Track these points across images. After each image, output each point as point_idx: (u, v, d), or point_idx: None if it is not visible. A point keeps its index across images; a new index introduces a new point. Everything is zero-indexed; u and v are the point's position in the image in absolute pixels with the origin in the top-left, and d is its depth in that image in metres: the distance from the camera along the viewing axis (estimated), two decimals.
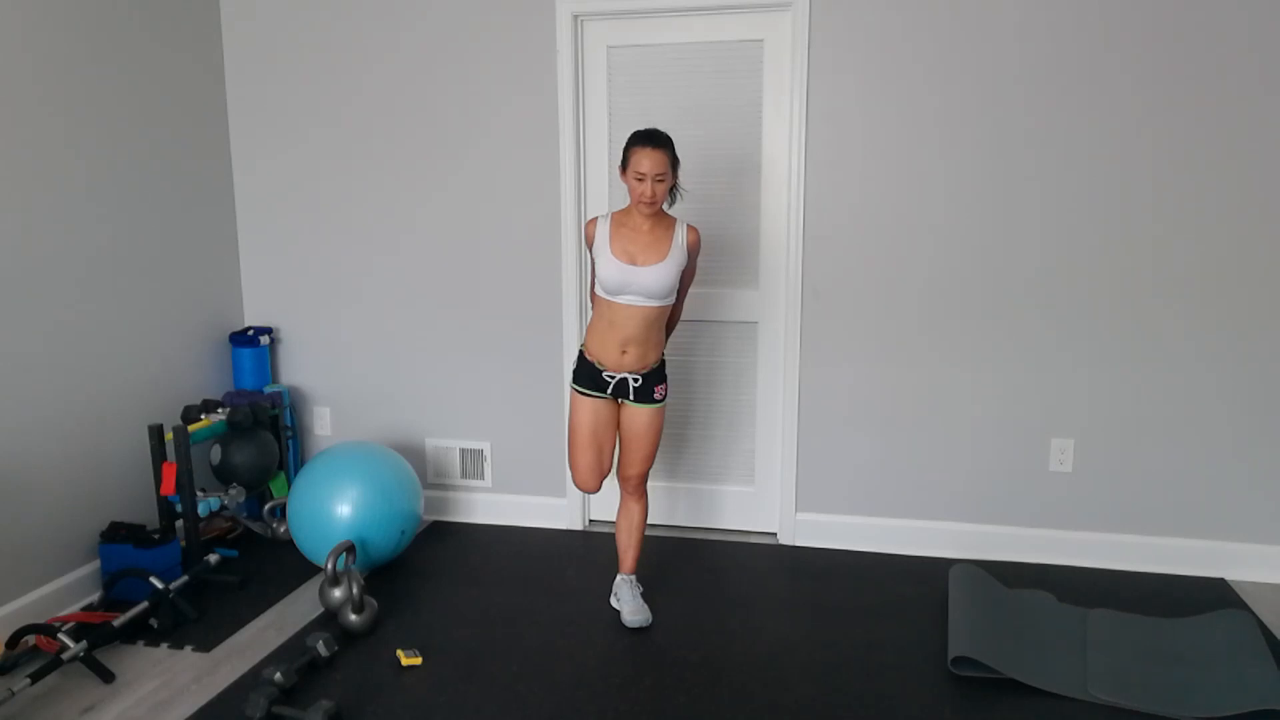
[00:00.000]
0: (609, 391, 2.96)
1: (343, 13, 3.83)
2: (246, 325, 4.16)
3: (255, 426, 3.79)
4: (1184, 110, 3.25)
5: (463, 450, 4.06)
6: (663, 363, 3.02)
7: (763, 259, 3.69)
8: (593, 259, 2.94)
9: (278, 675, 2.59)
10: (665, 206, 2.96)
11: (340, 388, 4.14)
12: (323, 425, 4.19)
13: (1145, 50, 3.25)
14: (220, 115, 3.99)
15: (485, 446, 4.04)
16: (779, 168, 3.61)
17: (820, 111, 3.50)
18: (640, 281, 2.83)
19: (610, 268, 2.84)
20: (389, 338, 4.05)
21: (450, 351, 3.99)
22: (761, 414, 3.81)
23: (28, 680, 2.58)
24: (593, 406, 2.98)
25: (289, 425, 4.09)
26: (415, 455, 4.11)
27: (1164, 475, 3.47)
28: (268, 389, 4.02)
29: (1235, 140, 3.23)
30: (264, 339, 4.03)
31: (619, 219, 2.91)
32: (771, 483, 3.86)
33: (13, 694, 2.52)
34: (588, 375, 2.97)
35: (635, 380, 2.94)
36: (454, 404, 4.03)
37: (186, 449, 3.42)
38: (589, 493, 3.18)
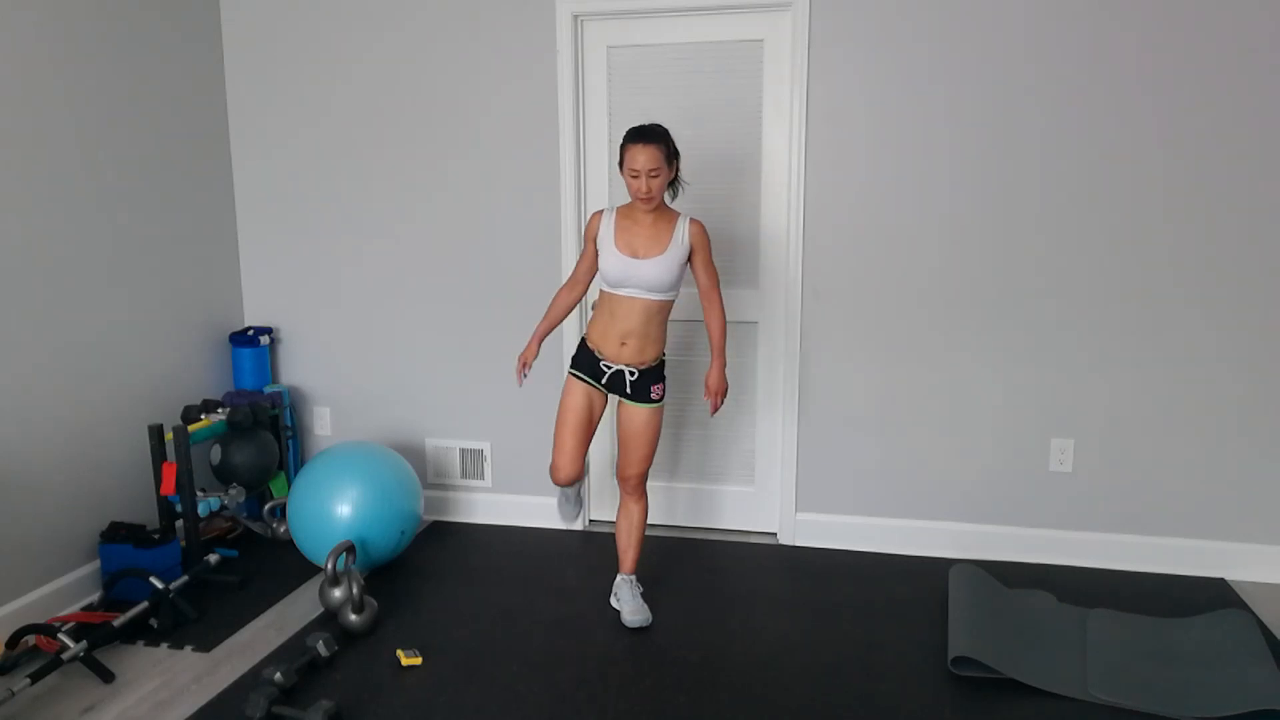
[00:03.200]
0: (604, 381, 2.97)
1: (343, 15, 3.83)
2: (246, 325, 4.16)
3: (255, 426, 3.79)
4: (1193, 108, 3.25)
5: (463, 450, 4.06)
6: (662, 362, 3.01)
7: (763, 259, 3.69)
8: (594, 251, 2.96)
9: (278, 675, 2.59)
10: (669, 199, 2.97)
11: (340, 388, 4.14)
12: (323, 425, 4.19)
13: (1156, 44, 3.24)
14: (220, 116, 3.99)
15: (485, 446, 4.04)
16: (779, 168, 3.61)
17: (820, 111, 3.50)
18: (641, 274, 2.84)
19: (612, 260, 2.87)
20: (389, 338, 4.05)
21: (450, 351, 3.99)
22: (761, 414, 3.81)
23: (28, 680, 2.58)
24: (585, 390, 2.99)
25: (289, 425, 4.10)
26: (415, 455, 4.11)
27: (1164, 475, 3.47)
28: (268, 389, 4.02)
29: (1246, 138, 3.23)
30: (264, 339, 4.03)
31: (624, 212, 2.94)
32: (771, 483, 3.86)
33: (13, 694, 2.52)
34: (586, 362, 2.98)
35: (632, 374, 2.95)
36: (454, 404, 4.03)
37: (186, 449, 3.42)
38: (563, 484, 3.05)
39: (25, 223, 3.08)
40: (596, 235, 2.94)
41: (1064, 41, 3.29)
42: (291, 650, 2.94)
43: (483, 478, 4.07)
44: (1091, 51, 3.28)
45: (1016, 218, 3.43)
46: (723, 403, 3.05)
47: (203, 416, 3.67)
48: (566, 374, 3.05)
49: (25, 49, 3.05)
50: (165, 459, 3.47)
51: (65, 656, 2.69)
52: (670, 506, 3.97)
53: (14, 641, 2.81)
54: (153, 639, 3.01)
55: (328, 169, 3.98)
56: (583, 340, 3.02)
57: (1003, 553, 3.63)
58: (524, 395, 3.94)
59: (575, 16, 3.62)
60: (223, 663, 2.87)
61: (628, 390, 2.97)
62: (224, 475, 3.74)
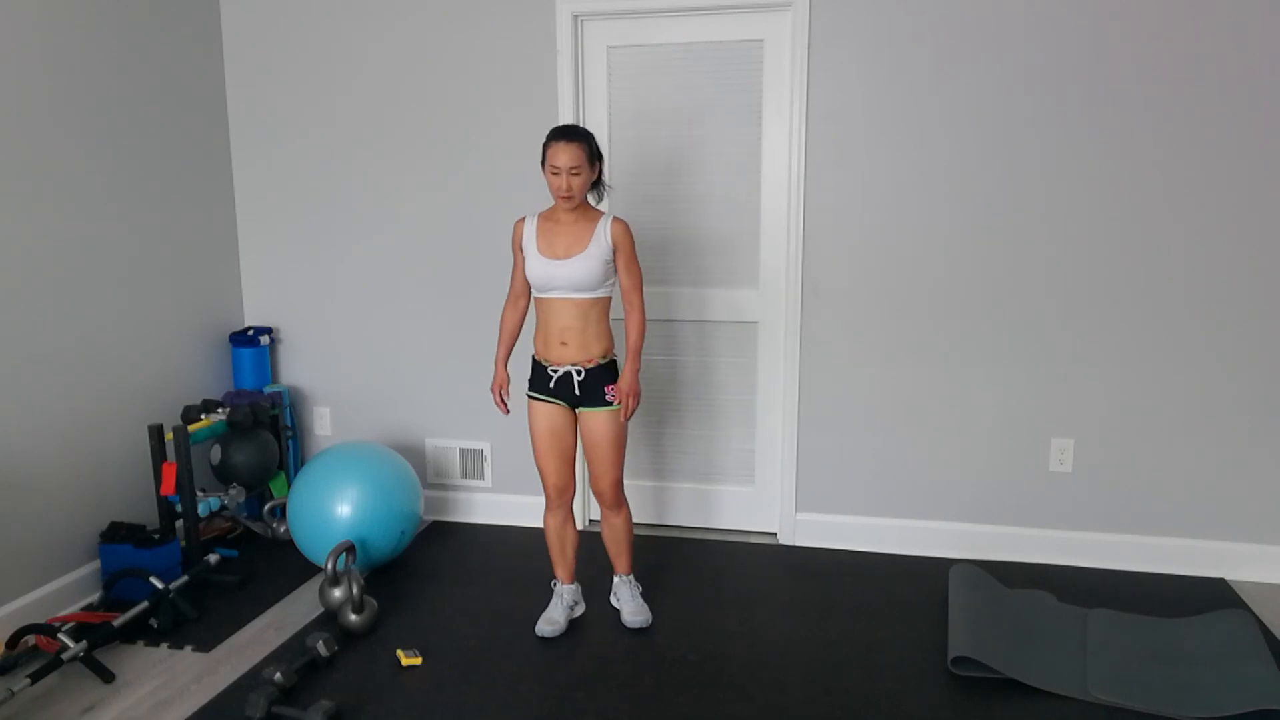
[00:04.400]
0: (553, 386, 2.91)
1: (343, 14, 3.83)
2: (246, 325, 4.16)
3: (255, 426, 3.79)
4: (1193, 107, 3.25)
5: (462, 450, 4.06)
6: (612, 362, 2.95)
7: (763, 259, 3.69)
8: (522, 260, 2.91)
9: (278, 675, 2.59)
10: (593, 203, 2.94)
11: (340, 388, 4.14)
12: (323, 425, 4.19)
13: (1154, 44, 3.24)
14: (220, 115, 3.99)
15: (485, 446, 4.04)
16: (779, 168, 3.61)
17: (820, 111, 3.50)
18: (564, 274, 2.81)
19: (536, 265, 2.84)
20: (389, 338, 4.05)
21: (450, 351, 3.99)
22: (761, 414, 3.81)
23: (28, 680, 2.58)
24: (547, 412, 2.94)
25: (289, 425, 4.10)
26: (415, 455, 4.11)
27: (1164, 475, 3.47)
28: (268, 389, 4.02)
29: (1246, 139, 3.23)
30: (264, 339, 4.03)
31: (546, 215, 2.91)
32: (771, 483, 3.86)
33: (13, 694, 2.52)
34: (537, 376, 2.94)
35: (579, 373, 2.88)
36: (454, 404, 4.03)
37: (186, 449, 3.42)
38: (555, 500, 3.03)
39: (25, 223, 3.08)
40: (521, 242, 2.90)
41: (1064, 41, 3.29)
42: (291, 650, 2.94)
43: (482, 478, 4.07)
44: (1091, 51, 3.28)
45: (1017, 216, 3.43)
46: (635, 407, 2.92)
47: (203, 416, 3.67)
48: (526, 398, 3.01)
49: (25, 50, 3.05)
50: (165, 459, 3.47)
51: (65, 656, 2.69)
52: (670, 507, 3.97)
53: (14, 641, 2.81)
54: (153, 639, 3.01)
55: (328, 169, 3.97)
56: (533, 357, 2.97)
57: (1003, 553, 3.63)
58: (523, 395, 3.93)
59: (575, 16, 3.62)
60: (223, 663, 2.87)
61: (577, 393, 2.90)
62: (224, 475, 3.74)
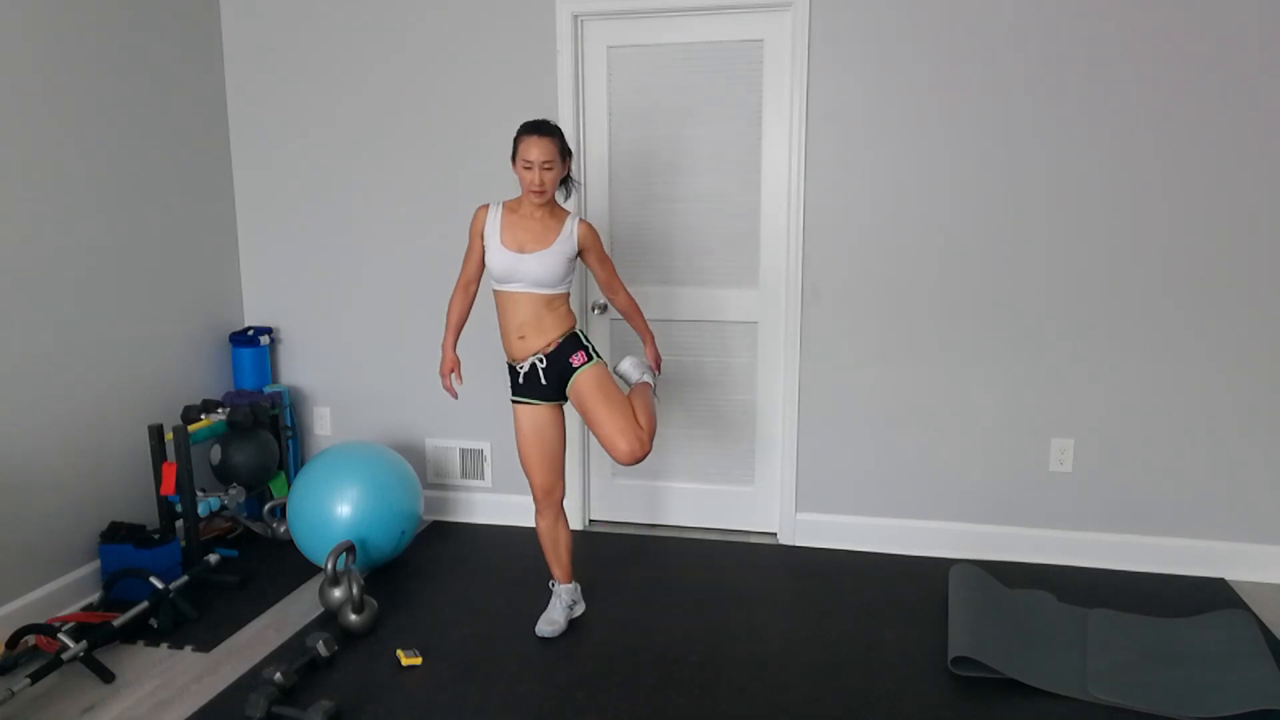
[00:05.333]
0: (522, 382, 2.90)
1: (343, 12, 3.83)
2: (246, 325, 4.16)
3: (255, 426, 3.79)
4: (1191, 105, 3.25)
5: (462, 450, 4.06)
6: (573, 335, 2.90)
7: (763, 259, 3.69)
8: (480, 248, 2.89)
9: (278, 675, 2.59)
10: (561, 200, 2.94)
11: (340, 388, 4.14)
12: (323, 425, 4.19)
13: (1150, 43, 3.24)
14: (220, 115, 3.99)
15: (485, 446, 4.04)
16: (779, 168, 3.61)
17: (820, 111, 3.50)
18: (527, 269, 2.79)
19: (499, 256, 2.81)
20: (389, 338, 4.05)
21: None
22: (761, 414, 3.81)
23: (28, 680, 2.58)
24: (528, 413, 2.92)
25: (289, 425, 4.10)
26: (415, 455, 4.11)
27: (1164, 475, 3.47)
28: (268, 389, 4.02)
29: (1245, 137, 3.23)
30: (264, 339, 4.03)
31: (511, 207, 2.88)
32: (771, 483, 3.86)
33: (13, 694, 2.52)
34: (513, 380, 2.93)
35: (541, 361, 2.86)
36: (453, 404, 4.02)
37: (186, 449, 3.42)
38: (543, 501, 3.00)
39: (24, 223, 3.08)
40: (483, 230, 2.87)
41: (1064, 41, 3.29)
42: (291, 650, 2.94)
43: (482, 478, 4.07)
44: (1091, 51, 3.28)
45: (1017, 217, 3.43)
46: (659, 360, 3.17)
47: (203, 416, 3.67)
48: (511, 404, 2.99)
49: (24, 51, 3.05)
50: (165, 459, 3.47)
51: (65, 656, 2.69)
52: (670, 506, 3.97)
53: (14, 641, 2.81)
54: (153, 639, 3.01)
55: (328, 168, 3.98)
56: (507, 363, 2.96)
57: (1003, 553, 3.63)
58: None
59: (575, 16, 3.62)
60: (223, 663, 2.87)
61: (543, 382, 2.88)
62: (224, 475, 3.74)
